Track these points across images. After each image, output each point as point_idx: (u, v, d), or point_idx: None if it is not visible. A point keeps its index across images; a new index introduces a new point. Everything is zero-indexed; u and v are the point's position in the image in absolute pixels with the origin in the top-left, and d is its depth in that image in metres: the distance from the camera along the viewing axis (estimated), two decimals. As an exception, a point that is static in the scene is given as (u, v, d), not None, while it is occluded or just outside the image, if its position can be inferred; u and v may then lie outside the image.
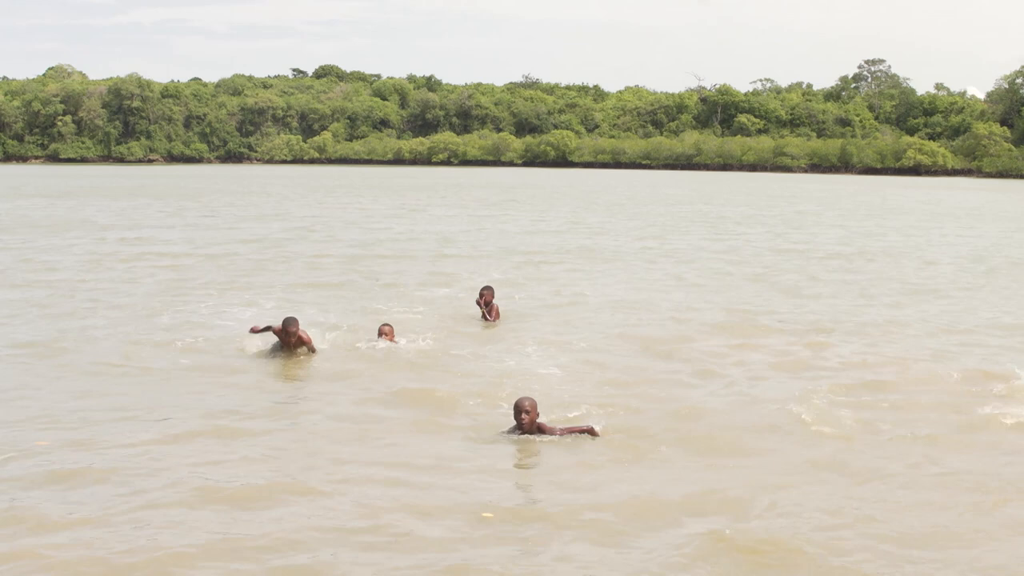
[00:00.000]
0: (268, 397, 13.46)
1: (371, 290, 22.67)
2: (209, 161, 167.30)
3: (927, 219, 49.85)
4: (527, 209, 51.66)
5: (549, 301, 21.59)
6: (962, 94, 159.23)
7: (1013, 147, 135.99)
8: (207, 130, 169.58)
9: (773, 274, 26.73)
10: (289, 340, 15.31)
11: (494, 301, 18.82)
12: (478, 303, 18.80)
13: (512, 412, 11.56)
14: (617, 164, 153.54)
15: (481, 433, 11.69)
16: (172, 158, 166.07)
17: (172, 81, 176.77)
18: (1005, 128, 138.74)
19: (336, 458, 10.72)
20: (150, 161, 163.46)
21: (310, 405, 13.10)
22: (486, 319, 18.59)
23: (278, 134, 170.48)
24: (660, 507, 9.45)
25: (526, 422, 11.32)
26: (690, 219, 45.81)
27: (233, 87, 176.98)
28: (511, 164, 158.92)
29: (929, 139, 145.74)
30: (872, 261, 30.16)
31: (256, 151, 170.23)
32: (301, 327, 15.41)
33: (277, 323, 15.54)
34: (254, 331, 15.78)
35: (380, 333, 16.04)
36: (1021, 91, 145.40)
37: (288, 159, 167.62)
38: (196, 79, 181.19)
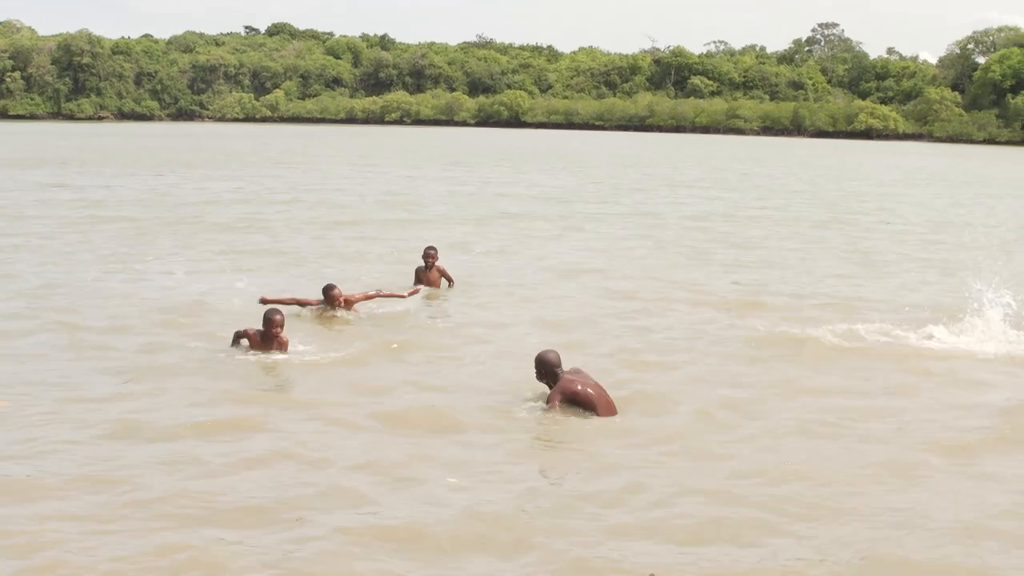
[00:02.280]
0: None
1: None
2: (160, 119, 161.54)
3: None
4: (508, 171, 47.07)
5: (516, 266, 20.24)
6: (914, 59, 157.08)
7: (963, 112, 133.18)
8: (158, 87, 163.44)
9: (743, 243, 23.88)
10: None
11: (438, 264, 17.35)
12: (418, 271, 17.23)
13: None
14: (570, 125, 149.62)
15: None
16: (123, 115, 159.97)
17: (123, 38, 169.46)
18: (956, 93, 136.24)
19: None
20: (100, 118, 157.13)
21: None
22: (426, 283, 17.05)
23: (230, 92, 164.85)
24: None
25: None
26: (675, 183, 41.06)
27: (185, 44, 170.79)
28: (464, 124, 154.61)
29: (881, 103, 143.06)
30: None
31: (208, 109, 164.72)
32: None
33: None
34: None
35: (332, 300, 14.54)
36: (972, 57, 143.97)
37: (240, 117, 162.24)
38: (147, 36, 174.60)
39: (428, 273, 17.12)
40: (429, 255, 17.17)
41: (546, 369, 10.27)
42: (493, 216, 29.13)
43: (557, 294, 17.34)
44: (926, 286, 18.92)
